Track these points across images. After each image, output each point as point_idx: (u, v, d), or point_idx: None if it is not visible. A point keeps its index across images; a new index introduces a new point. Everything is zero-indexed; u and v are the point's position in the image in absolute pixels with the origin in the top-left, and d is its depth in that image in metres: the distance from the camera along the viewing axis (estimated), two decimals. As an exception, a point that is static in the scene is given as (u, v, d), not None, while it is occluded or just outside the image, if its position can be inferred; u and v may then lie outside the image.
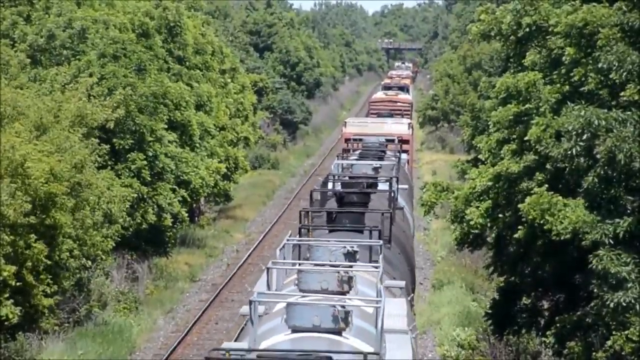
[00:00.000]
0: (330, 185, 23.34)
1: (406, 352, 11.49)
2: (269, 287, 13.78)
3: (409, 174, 37.34)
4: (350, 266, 13.88)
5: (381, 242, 16.61)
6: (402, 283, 15.40)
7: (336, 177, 24.35)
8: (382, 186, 23.42)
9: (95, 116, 30.04)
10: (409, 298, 15.24)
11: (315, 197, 21.91)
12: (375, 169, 26.74)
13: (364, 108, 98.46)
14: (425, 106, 79.14)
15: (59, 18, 35.18)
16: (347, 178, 24.12)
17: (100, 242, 28.73)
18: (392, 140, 37.52)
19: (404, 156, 34.31)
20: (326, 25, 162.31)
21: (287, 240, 15.67)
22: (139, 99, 33.92)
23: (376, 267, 14.29)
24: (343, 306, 11.68)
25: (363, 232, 18.34)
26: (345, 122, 47.61)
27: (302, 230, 18.59)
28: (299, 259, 15.59)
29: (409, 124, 48.68)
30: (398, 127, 46.11)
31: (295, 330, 11.61)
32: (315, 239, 16.45)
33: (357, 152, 33.15)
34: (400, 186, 24.40)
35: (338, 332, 11.61)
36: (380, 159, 30.41)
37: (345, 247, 14.62)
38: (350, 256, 14.54)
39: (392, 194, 21.94)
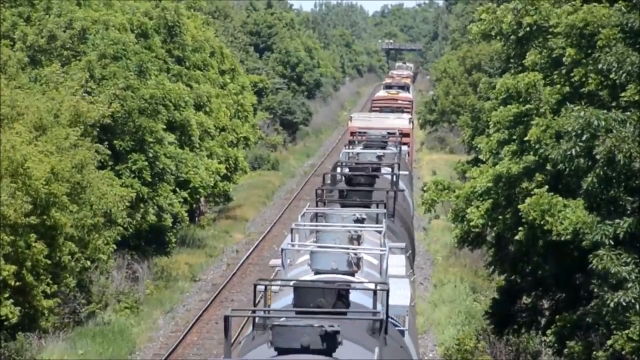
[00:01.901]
0: (339, 170, 26.10)
1: (405, 292, 14.20)
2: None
3: (408, 163, 39.72)
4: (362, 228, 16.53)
5: (385, 210, 19.99)
6: (402, 244, 18.30)
7: (345, 163, 26.99)
8: (385, 171, 26.26)
9: (90, 113, 30.04)
10: (407, 254, 18.13)
11: (327, 179, 25.33)
12: (379, 157, 29.79)
13: (365, 109, 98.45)
14: (424, 108, 79.08)
15: (59, 18, 35.20)
16: (354, 164, 26.99)
17: (103, 245, 28.74)
18: (394, 134, 39.38)
19: (404, 148, 36.82)
20: (326, 25, 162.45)
21: (307, 209, 19.09)
22: (139, 100, 33.94)
23: (380, 228, 17.25)
24: (355, 253, 14.40)
25: (370, 206, 21.03)
26: (351, 117, 51.90)
27: (319, 204, 21.36)
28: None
29: (409, 119, 52.26)
30: (399, 121, 49.31)
31: (317, 272, 14.21)
32: (330, 208, 19.61)
33: (363, 143, 35.49)
34: (400, 172, 26.68)
35: (351, 274, 14.21)
36: (383, 149, 32.98)
37: (354, 214, 17.61)
38: (359, 222, 17.33)
39: (395, 177, 24.95)
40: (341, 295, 12.58)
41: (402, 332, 14.25)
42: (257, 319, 12.45)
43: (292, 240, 16.61)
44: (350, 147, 33.86)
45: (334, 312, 12.15)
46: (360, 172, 24.49)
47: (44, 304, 26.13)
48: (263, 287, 13.22)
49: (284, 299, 13.60)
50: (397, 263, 15.66)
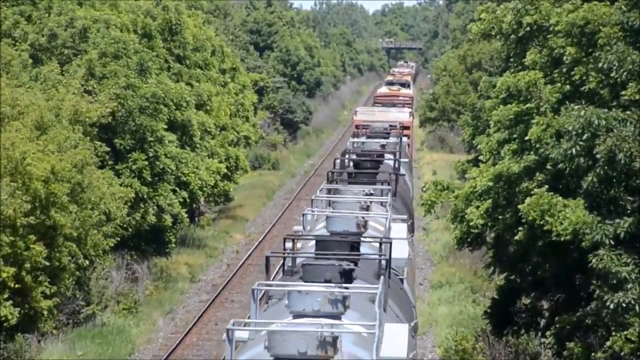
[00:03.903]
0: (347, 157, 29.02)
1: (404, 250, 17.38)
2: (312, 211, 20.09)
3: (408, 152, 42.50)
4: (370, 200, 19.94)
5: (390, 187, 23.55)
6: (405, 217, 21.59)
7: (352, 151, 29.77)
8: (388, 158, 29.49)
9: (90, 113, 29.93)
10: (408, 223, 21.44)
11: (337, 164, 28.29)
12: (382, 146, 32.70)
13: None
14: (425, 106, 78.90)
15: (60, 17, 35.16)
16: (360, 152, 30.11)
17: (101, 241, 28.64)
18: (395, 126, 41.89)
19: (404, 139, 39.36)
20: (327, 24, 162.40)
21: (323, 185, 23.12)
22: (139, 99, 33.87)
23: (384, 200, 21.17)
24: (363, 217, 17.50)
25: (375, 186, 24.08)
26: (356, 111, 56.47)
27: (331, 184, 24.07)
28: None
29: (410, 112, 56.40)
30: (400, 115, 52.62)
31: (332, 233, 17.01)
32: (343, 185, 23.31)
33: (367, 134, 38.33)
34: (401, 160, 29.70)
35: (360, 235, 16.95)
36: (386, 139, 35.61)
37: (364, 190, 21.12)
38: (367, 196, 20.46)
39: (397, 163, 28.27)
40: (353, 247, 15.86)
41: (402, 280, 18.09)
42: (286, 267, 15.69)
43: (312, 209, 20.24)
44: (356, 138, 36.73)
45: (349, 256, 15.20)
46: (366, 158, 27.87)
47: (43, 305, 26.04)
48: (291, 240, 16.84)
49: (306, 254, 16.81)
50: (399, 229, 18.84)
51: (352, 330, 12.14)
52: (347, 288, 12.98)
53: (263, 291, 14.24)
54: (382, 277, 14.25)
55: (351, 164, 27.72)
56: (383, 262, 15.33)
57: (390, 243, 15.98)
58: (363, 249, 16.43)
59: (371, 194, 20.77)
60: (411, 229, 23.76)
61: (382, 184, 24.12)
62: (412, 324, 15.89)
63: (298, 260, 15.79)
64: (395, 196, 24.47)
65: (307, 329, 11.15)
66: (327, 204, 20.92)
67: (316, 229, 19.36)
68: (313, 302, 12.26)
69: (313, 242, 16.61)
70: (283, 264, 16.06)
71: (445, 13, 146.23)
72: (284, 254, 16.14)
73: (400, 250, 17.07)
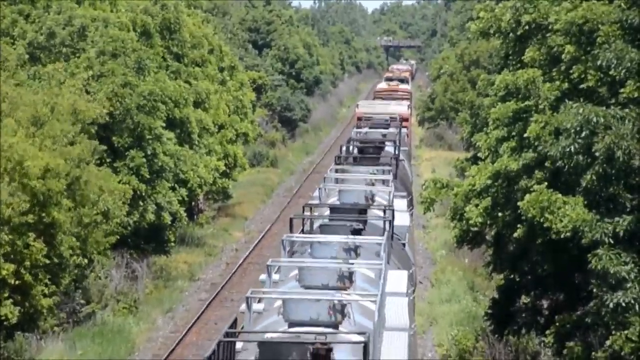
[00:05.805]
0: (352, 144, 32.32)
1: (406, 219, 21.24)
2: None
3: (407, 142, 45.34)
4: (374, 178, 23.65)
5: (391, 167, 27.18)
6: (404, 193, 25.15)
7: (355, 139, 33.03)
8: (389, 145, 32.70)
9: (88, 112, 29.93)
10: (407, 199, 25.02)
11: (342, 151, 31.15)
12: (383, 135, 35.84)
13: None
14: (423, 105, 78.85)
15: (58, 16, 35.16)
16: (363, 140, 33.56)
17: (101, 239, 28.63)
18: (395, 118, 44.57)
19: (404, 130, 42.69)
20: (325, 22, 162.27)
21: (333, 166, 26.65)
22: (137, 97, 33.87)
23: (387, 177, 24.73)
24: (371, 191, 21.05)
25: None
26: (358, 104, 60.22)
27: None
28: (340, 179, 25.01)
29: (408, 105, 59.80)
30: (399, 108, 55.35)
31: (343, 203, 20.36)
32: (350, 166, 27.31)
33: (369, 125, 41.02)
34: (400, 147, 32.63)
35: (369, 206, 20.35)
36: (386, 129, 39.08)
37: (368, 170, 25.01)
38: (372, 174, 24.44)
39: (396, 149, 31.31)
40: (361, 215, 19.10)
41: (403, 244, 21.14)
42: (305, 230, 18.78)
43: (325, 185, 23.40)
44: (359, 128, 40.10)
45: (359, 214, 18.42)
46: (369, 145, 31.30)
47: (44, 303, 26.04)
48: (309, 208, 20.07)
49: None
50: (400, 204, 22.14)
51: (364, 269, 15.31)
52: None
53: (289, 242, 17.08)
54: (386, 233, 17.41)
55: (355, 150, 30.91)
56: (387, 223, 18.34)
57: (393, 210, 19.24)
58: (370, 215, 19.46)
59: (375, 173, 24.38)
60: (410, 204, 26.79)
61: (383, 167, 27.07)
62: (410, 271, 18.57)
63: (315, 226, 18.56)
64: (396, 178, 27.03)
65: (329, 266, 14.01)
66: (336, 181, 24.12)
67: (329, 201, 22.16)
68: (331, 250, 15.27)
69: (327, 211, 19.64)
70: (303, 227, 18.98)
71: (444, 11, 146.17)
72: (303, 218, 19.12)
73: (402, 219, 20.61)
